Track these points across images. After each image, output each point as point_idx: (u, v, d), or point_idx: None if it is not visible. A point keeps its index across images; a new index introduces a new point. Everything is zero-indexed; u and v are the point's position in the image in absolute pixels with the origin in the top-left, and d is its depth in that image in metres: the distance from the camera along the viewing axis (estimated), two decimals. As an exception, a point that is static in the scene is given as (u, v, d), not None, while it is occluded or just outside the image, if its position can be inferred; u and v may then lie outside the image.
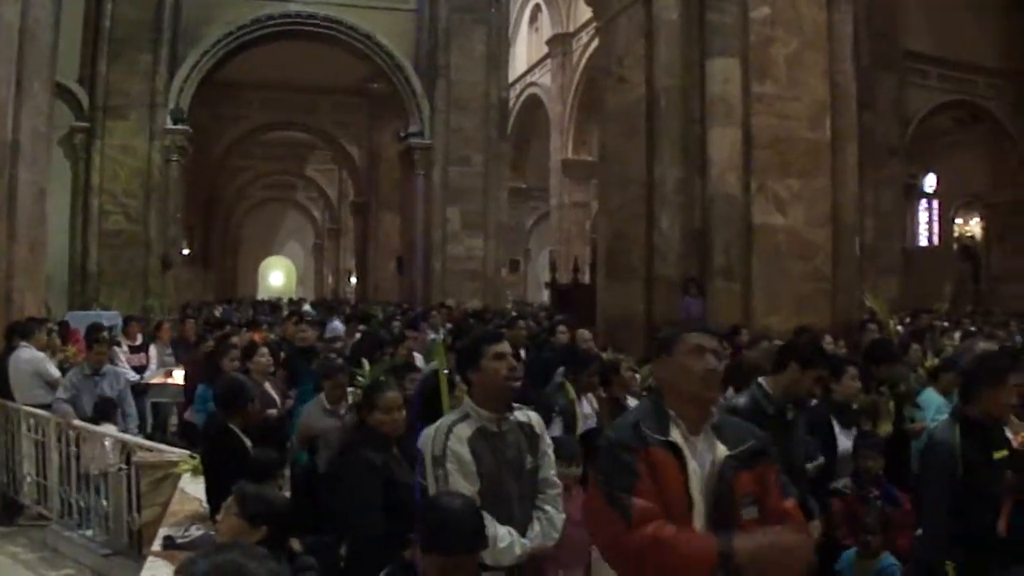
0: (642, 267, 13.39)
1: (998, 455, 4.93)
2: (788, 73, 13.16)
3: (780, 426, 5.34)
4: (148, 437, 10.14)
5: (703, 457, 3.31)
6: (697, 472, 3.27)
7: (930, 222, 41.03)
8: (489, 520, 4.08)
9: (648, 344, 10.85)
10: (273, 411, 8.55)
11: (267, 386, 8.90)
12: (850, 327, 12.83)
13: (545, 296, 28.20)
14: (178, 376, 12.47)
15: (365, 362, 9.11)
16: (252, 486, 4.46)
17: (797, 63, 13.22)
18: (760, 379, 5.61)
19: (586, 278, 20.86)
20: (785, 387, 5.47)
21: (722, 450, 3.31)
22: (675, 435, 3.31)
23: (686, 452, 3.28)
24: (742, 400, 5.52)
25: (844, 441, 6.50)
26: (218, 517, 4.40)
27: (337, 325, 14.02)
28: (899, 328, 14.93)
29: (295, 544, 4.65)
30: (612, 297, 14.25)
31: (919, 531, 5.29)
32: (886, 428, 7.05)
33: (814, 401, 7.93)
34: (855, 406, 6.82)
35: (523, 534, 4.31)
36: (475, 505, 3.77)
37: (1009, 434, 5.53)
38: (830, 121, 13.45)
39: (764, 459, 3.41)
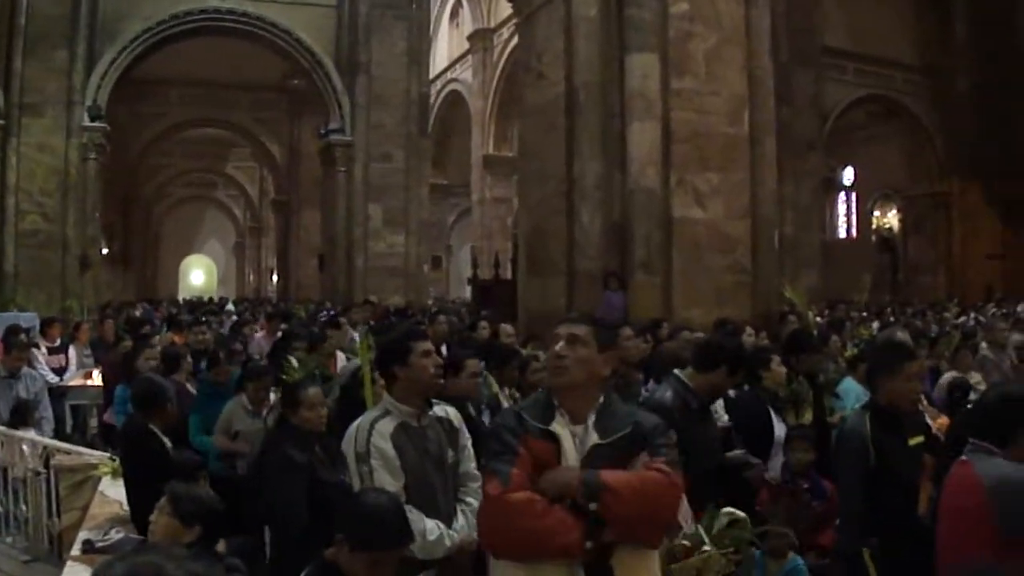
0: (563, 262, 13.38)
1: (913, 441, 4.98)
2: (707, 68, 13.22)
3: (701, 419, 5.39)
4: (67, 440, 10.00)
5: (584, 446, 3.32)
6: (574, 461, 3.27)
7: (848, 215, 41.79)
8: (417, 514, 4.16)
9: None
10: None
11: (189, 386, 8.86)
12: (770, 319, 12.94)
13: (467, 292, 28.17)
14: (97, 377, 12.28)
15: (292, 359, 9.06)
16: (183, 485, 4.45)
17: (716, 58, 13.29)
18: (677, 371, 5.59)
19: (508, 273, 20.88)
20: (711, 386, 5.48)
21: (594, 438, 3.32)
22: (557, 425, 3.33)
23: (564, 441, 3.30)
24: (668, 394, 5.51)
25: (780, 428, 6.53)
26: (151, 518, 4.32)
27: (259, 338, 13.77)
28: (818, 319, 15.12)
29: (220, 546, 4.57)
30: (533, 292, 14.22)
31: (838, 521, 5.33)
32: (807, 418, 7.05)
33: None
34: (780, 394, 6.85)
35: (449, 526, 4.34)
36: (399, 501, 3.81)
37: (929, 420, 5.57)
38: (748, 116, 13.53)
39: (639, 446, 3.36)
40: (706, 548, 3.74)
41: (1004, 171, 32.51)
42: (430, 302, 27.51)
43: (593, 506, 3.13)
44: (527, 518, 3.13)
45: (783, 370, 6.87)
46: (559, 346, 3.39)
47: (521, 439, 3.27)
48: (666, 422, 3.57)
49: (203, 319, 14.88)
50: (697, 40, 13.19)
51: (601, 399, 3.42)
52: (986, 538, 3.56)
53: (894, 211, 38.10)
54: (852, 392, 8.37)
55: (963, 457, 4.03)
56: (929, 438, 5.32)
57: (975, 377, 9.87)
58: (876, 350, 5.64)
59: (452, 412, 4.63)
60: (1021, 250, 32.99)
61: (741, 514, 4.01)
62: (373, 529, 3.50)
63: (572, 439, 3.31)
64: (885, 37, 30.99)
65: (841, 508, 5.17)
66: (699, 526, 3.85)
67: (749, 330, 10.69)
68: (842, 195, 41.78)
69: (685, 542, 3.72)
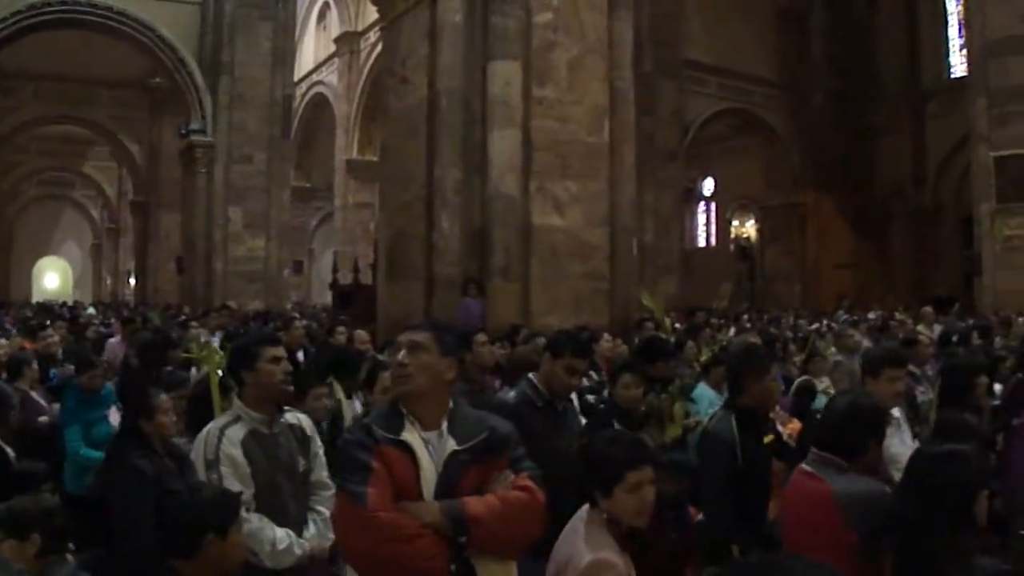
0: (422, 267, 13.36)
1: (766, 439, 5.17)
2: (569, 77, 13.33)
3: (551, 417, 5.42)
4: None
5: (439, 453, 3.30)
6: (430, 469, 3.26)
7: (708, 224, 42.72)
8: (266, 522, 4.16)
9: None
10: (44, 418, 8.18)
11: (34, 394, 8.51)
12: (628, 326, 13.11)
13: (329, 297, 27.95)
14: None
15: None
16: (17, 500, 4.27)
17: (578, 68, 13.41)
18: (531, 375, 5.65)
19: (369, 279, 20.74)
20: (545, 380, 5.51)
21: (451, 445, 3.31)
22: (408, 434, 3.30)
23: (418, 450, 3.27)
24: (511, 394, 5.56)
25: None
26: None
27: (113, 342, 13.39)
28: (677, 326, 15.37)
29: (69, 558, 4.43)
30: (393, 297, 14.17)
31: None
32: (675, 432, 6.92)
33: (592, 398, 8.10)
34: (643, 408, 6.71)
35: (299, 535, 4.32)
36: (200, 505, 3.67)
37: (779, 427, 5.70)
38: (609, 125, 13.69)
39: (497, 452, 3.39)
40: None
41: (856, 184, 33.82)
42: (289, 306, 27.16)
43: (463, 539, 3.15)
44: (395, 542, 3.11)
45: (631, 392, 6.46)
46: (401, 354, 3.38)
47: (374, 452, 3.22)
48: (509, 420, 3.61)
49: (47, 324, 14.30)
50: (560, 50, 13.29)
51: (451, 404, 3.42)
52: (842, 554, 3.59)
53: (752, 221, 39.01)
54: (705, 397, 8.49)
55: (808, 468, 4.10)
56: (779, 441, 5.44)
57: (824, 382, 10.11)
58: (743, 353, 5.74)
59: (304, 419, 4.63)
60: (870, 259, 34.24)
61: None
62: (171, 536, 3.50)
63: (425, 447, 3.29)
64: (745, 52, 31.82)
65: (707, 508, 5.19)
66: None
67: (607, 336, 10.80)
68: (702, 204, 42.69)
69: None
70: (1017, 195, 23.28)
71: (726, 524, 4.82)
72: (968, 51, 26.41)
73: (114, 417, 7.46)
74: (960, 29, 30.61)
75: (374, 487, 3.16)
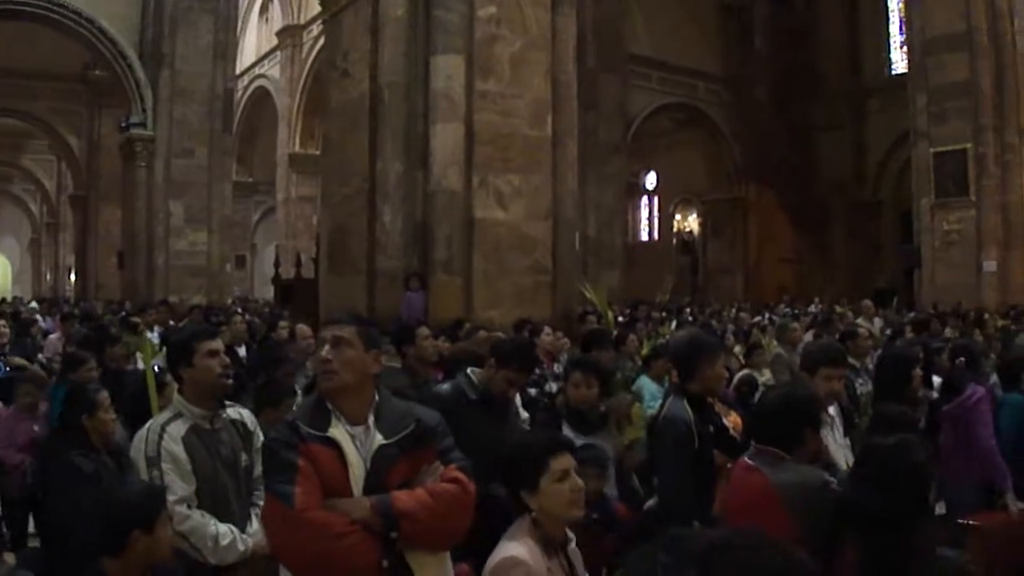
0: (363, 261, 13.30)
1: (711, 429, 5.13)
2: (511, 72, 13.33)
3: (484, 411, 5.44)
4: None
5: (366, 448, 3.28)
6: (358, 464, 3.24)
7: (651, 218, 42.94)
8: (208, 519, 4.14)
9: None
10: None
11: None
12: (570, 319, 13.16)
13: (271, 292, 27.80)
14: None
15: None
16: None
17: (521, 62, 13.42)
18: (470, 369, 5.69)
19: (311, 273, 20.64)
20: (486, 380, 5.58)
21: (379, 439, 3.29)
22: (335, 430, 3.26)
23: (345, 446, 3.24)
24: (445, 387, 5.59)
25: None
26: None
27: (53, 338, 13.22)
28: (620, 319, 15.47)
29: (9, 558, 4.40)
30: (334, 291, 14.11)
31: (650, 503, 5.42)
32: (635, 435, 6.76)
33: (534, 391, 8.13)
34: (603, 409, 6.53)
35: (243, 531, 4.29)
36: (124, 501, 3.67)
37: (724, 420, 5.73)
38: (552, 119, 13.71)
39: (425, 444, 3.39)
40: None
41: (798, 178, 34.19)
42: (230, 301, 26.95)
43: (394, 535, 3.14)
44: (324, 540, 3.08)
45: (584, 391, 6.18)
46: (324, 350, 3.35)
47: (300, 451, 3.19)
48: (439, 412, 3.60)
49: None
50: (503, 44, 13.29)
51: (377, 397, 3.40)
52: None
53: (694, 215, 39.34)
54: (647, 389, 8.57)
55: (749, 461, 4.15)
56: (723, 433, 5.49)
57: (765, 375, 10.21)
58: (695, 338, 5.76)
59: (246, 414, 4.61)
60: (811, 253, 34.67)
61: None
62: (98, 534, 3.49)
63: (352, 442, 3.26)
64: (688, 48, 32.11)
65: (666, 492, 5.17)
66: None
67: (548, 330, 10.82)
68: (645, 199, 42.94)
69: None
70: (956, 190, 23.79)
71: (688, 504, 4.80)
72: (908, 48, 26.84)
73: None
74: (901, 26, 31.02)
75: (301, 486, 3.13)
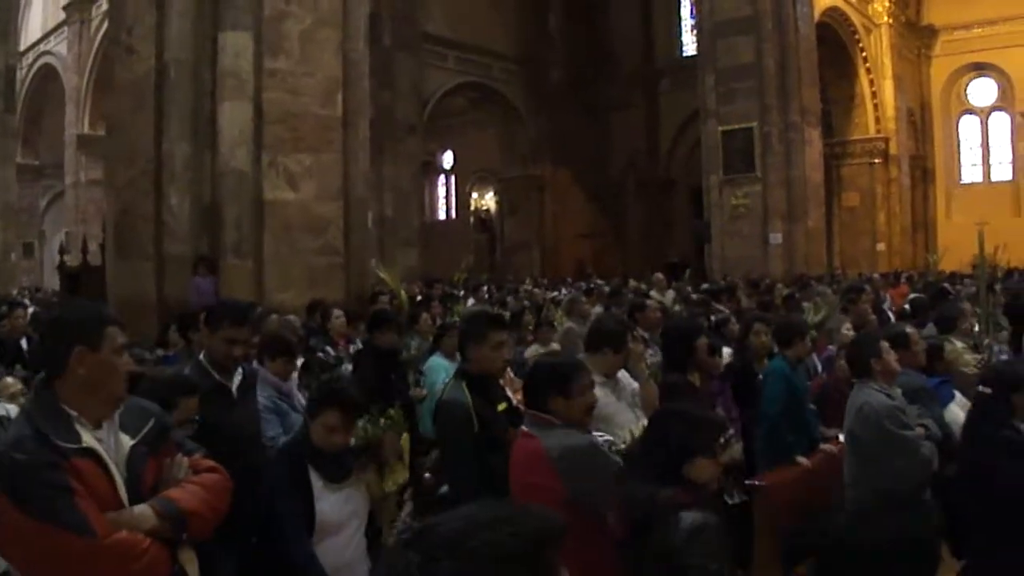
0: (151, 246, 12.87)
1: (500, 407, 5.18)
2: (301, 49, 13.16)
3: (220, 396, 5.23)
4: None
5: (117, 451, 3.08)
6: (119, 472, 3.03)
7: (448, 196, 43.21)
8: None
9: (162, 328, 10.55)
10: None
11: None
12: (363, 299, 13.13)
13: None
14: None
15: None
16: None
17: (311, 40, 13.25)
18: (201, 355, 5.51)
19: (99, 260, 19.87)
20: (208, 355, 5.39)
21: (126, 440, 3.11)
22: (86, 438, 2.97)
23: (104, 455, 2.99)
24: (186, 370, 5.44)
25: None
26: None
27: None
28: (418, 298, 15.50)
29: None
30: (122, 279, 13.61)
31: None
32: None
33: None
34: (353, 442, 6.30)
35: None
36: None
37: (509, 392, 5.79)
38: (343, 98, 13.61)
39: (165, 438, 3.30)
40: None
41: (593, 156, 34.98)
42: (15, 292, 25.76)
43: (184, 536, 3.08)
44: (133, 560, 2.89)
45: None
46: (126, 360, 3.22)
47: (65, 468, 2.85)
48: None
49: None
50: (292, 21, 13.10)
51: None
52: (559, 508, 3.67)
53: (491, 193, 39.72)
54: (441, 368, 8.64)
55: (525, 428, 4.28)
56: (512, 409, 5.56)
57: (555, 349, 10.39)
58: (464, 320, 5.83)
59: (12, 409, 4.54)
60: (608, 229, 35.57)
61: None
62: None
63: (101, 447, 3.00)
64: (484, 27, 32.32)
65: (451, 474, 5.28)
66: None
67: (338, 312, 10.80)
68: (442, 178, 43.14)
69: None
70: (743, 167, 24.91)
71: (473, 490, 4.80)
72: (699, 31, 27.86)
73: None
74: (692, 10, 32.06)
75: (88, 510, 2.84)
